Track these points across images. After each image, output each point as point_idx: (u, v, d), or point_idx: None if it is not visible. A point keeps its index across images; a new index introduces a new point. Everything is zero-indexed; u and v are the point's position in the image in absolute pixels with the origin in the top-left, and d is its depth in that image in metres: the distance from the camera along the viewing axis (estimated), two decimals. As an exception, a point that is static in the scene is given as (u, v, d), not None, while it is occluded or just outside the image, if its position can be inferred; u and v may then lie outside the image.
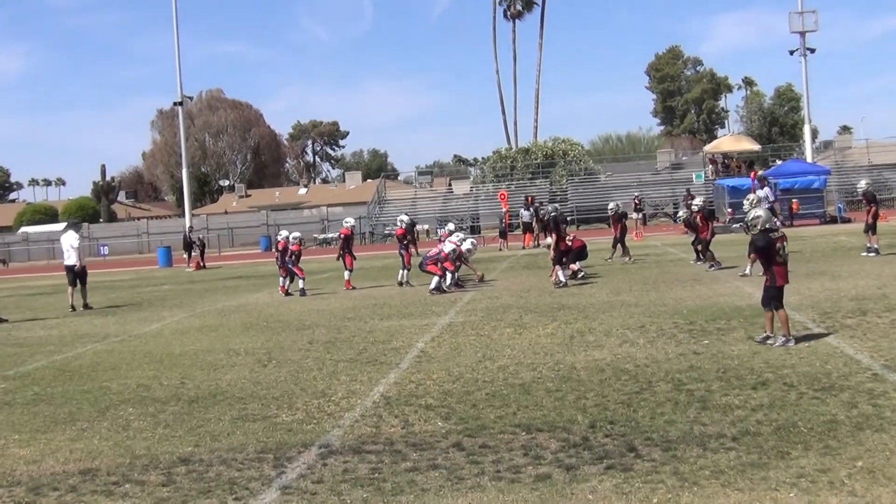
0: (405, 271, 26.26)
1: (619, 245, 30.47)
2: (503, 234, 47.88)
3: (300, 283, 25.91)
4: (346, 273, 26.65)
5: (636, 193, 58.06)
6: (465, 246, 24.94)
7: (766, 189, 34.39)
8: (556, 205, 26.76)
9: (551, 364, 12.20)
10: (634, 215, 48.79)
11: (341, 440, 8.95)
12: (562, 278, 22.96)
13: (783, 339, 12.42)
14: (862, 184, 28.07)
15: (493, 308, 19.24)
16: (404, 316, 19.02)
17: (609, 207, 31.50)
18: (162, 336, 18.42)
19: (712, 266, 24.70)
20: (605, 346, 13.46)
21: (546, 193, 70.26)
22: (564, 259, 23.73)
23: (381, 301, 22.44)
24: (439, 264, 23.69)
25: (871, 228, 25.97)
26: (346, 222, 27.74)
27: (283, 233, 27.39)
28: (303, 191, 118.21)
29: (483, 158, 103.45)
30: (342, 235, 27.40)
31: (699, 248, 27.00)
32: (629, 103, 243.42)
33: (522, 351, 13.47)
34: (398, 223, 28.10)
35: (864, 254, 25.82)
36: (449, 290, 23.28)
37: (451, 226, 28.69)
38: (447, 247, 24.13)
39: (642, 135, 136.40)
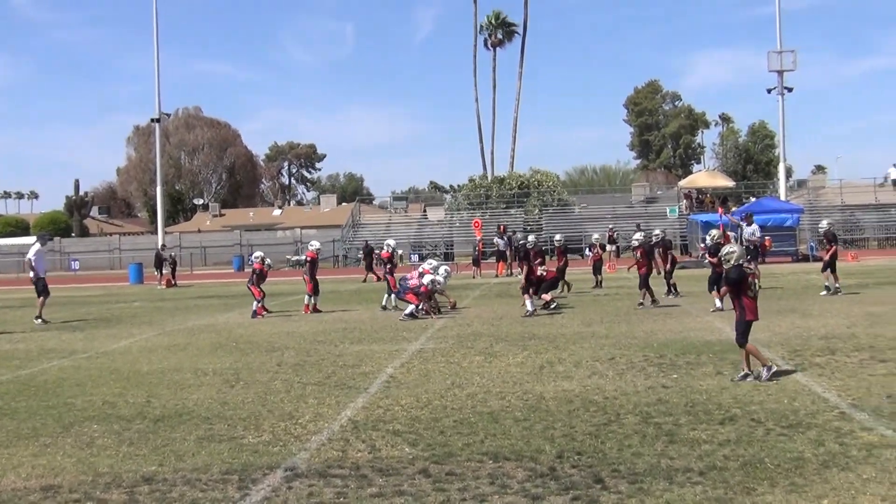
0: (389, 296, 26.23)
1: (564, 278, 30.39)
2: (476, 262, 47.95)
3: (253, 304, 25.84)
4: (306, 297, 26.55)
5: (610, 226, 58.27)
6: (439, 276, 24.92)
7: (755, 226, 34.62)
8: (533, 237, 26.62)
9: (520, 393, 12.20)
10: (609, 247, 48.91)
11: (307, 463, 8.91)
12: (529, 307, 22.99)
13: (766, 370, 12.47)
14: (824, 223, 28.66)
15: (464, 335, 19.23)
16: (375, 341, 18.99)
17: (555, 239, 31.33)
18: (130, 353, 18.30)
19: (641, 305, 24.15)
20: (574, 376, 13.47)
21: (520, 223, 70.45)
22: (533, 289, 23.71)
23: (351, 325, 22.40)
24: (419, 296, 23.70)
25: (829, 267, 26.30)
26: (312, 245, 27.66)
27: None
28: (277, 212, 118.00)
29: (459, 186, 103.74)
30: (308, 258, 27.35)
31: (669, 280, 27.05)
32: (607, 136, 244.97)
33: (492, 379, 13.46)
34: (384, 247, 28.17)
35: (823, 293, 26.02)
36: (421, 315, 23.26)
37: (433, 261, 28.59)
38: (427, 279, 24.10)
39: (618, 168, 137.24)
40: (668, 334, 18.18)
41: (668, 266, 27.41)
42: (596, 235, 38.00)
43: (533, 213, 75.21)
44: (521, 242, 26.02)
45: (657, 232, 28.94)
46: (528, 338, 18.40)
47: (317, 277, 26.61)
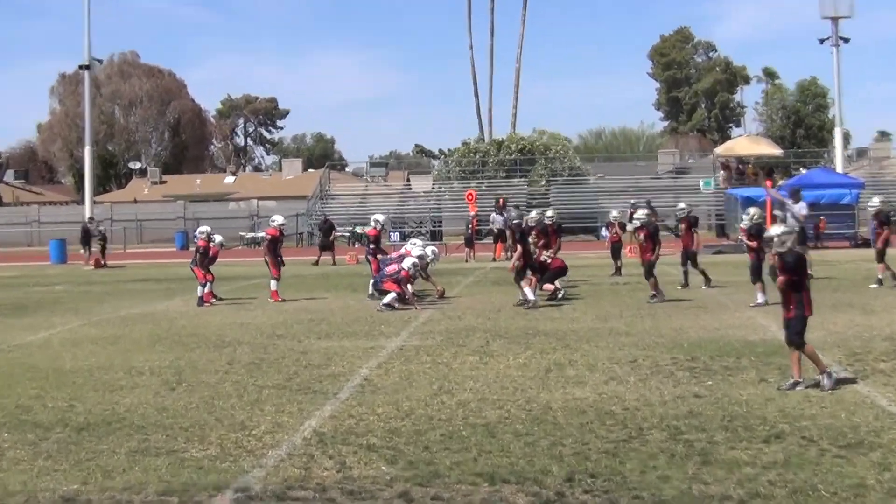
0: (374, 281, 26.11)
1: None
2: (469, 243, 47.91)
3: (198, 290, 25.82)
4: (273, 283, 26.47)
5: (632, 201, 58.26)
6: (420, 251, 24.83)
7: (802, 203, 34.61)
8: (536, 212, 26.50)
9: (522, 402, 12.19)
10: (629, 226, 48.82)
11: (263, 483, 8.89)
12: (530, 296, 22.84)
13: (826, 377, 12.42)
14: (875, 201, 28.06)
15: (455, 330, 19.23)
16: (346, 335, 18.98)
17: (547, 216, 31.19)
18: (50, 347, 18.28)
19: (654, 297, 23.76)
20: (587, 382, 13.45)
21: (524, 195, 70.46)
22: (531, 275, 23.54)
23: (318, 316, 22.38)
24: (400, 283, 23.60)
25: (881, 255, 26.20)
26: (273, 221, 27.58)
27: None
28: (230, 179, 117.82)
29: (450, 151, 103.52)
30: (269, 236, 27.34)
31: (696, 267, 26.91)
32: (628, 93, 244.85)
33: (488, 384, 13.45)
34: (372, 223, 28.16)
35: (874, 286, 25.86)
36: (401, 306, 23.20)
37: (417, 241, 28.50)
38: (407, 262, 24.03)
39: (642, 131, 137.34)
40: (702, 332, 18.18)
41: (694, 248, 27.31)
42: (615, 213, 37.76)
43: (539, 183, 75.25)
44: (515, 221, 25.83)
45: (681, 206, 28.69)
46: (532, 334, 18.40)
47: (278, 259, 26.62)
